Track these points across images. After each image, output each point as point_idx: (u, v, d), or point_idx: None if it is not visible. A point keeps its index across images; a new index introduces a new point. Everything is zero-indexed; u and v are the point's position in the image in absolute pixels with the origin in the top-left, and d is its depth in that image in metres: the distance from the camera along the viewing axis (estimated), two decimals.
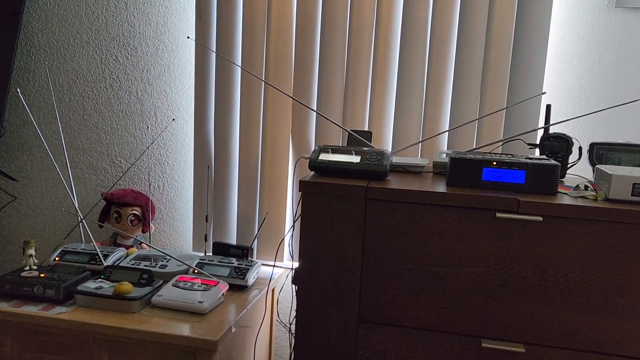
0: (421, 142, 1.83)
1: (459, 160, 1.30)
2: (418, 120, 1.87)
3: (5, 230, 2.25)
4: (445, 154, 1.58)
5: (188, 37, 2.02)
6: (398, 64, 1.86)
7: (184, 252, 2.05)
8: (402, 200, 1.23)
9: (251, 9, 1.93)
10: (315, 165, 1.36)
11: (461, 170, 1.30)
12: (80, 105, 2.14)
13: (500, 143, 1.75)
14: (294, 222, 1.92)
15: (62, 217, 2.20)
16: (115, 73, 2.10)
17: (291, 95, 1.88)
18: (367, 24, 1.86)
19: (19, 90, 2.04)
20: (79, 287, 1.56)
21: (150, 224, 2.04)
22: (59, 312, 1.49)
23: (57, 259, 1.79)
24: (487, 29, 1.79)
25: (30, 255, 1.63)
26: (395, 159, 1.56)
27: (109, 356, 1.48)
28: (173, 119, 2.07)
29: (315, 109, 1.91)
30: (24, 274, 1.60)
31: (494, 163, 1.28)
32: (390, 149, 1.90)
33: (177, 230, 2.16)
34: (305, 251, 1.28)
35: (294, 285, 1.34)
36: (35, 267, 1.64)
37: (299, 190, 1.27)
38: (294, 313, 2.03)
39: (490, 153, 1.45)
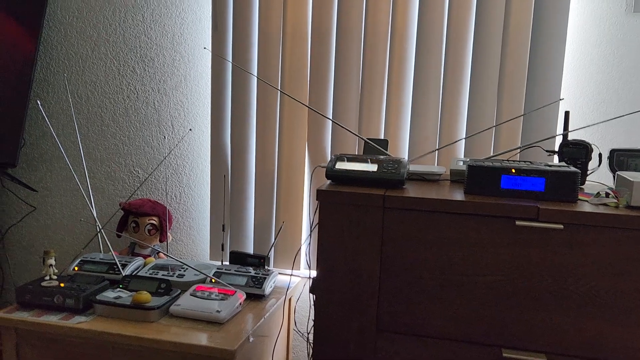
0: (438, 149, 1.82)
1: (477, 168, 1.29)
2: (434, 127, 1.86)
3: (25, 240, 2.28)
4: (462, 162, 1.57)
5: (205, 48, 2.04)
6: (414, 71, 1.86)
7: (201, 262, 2.06)
8: (419, 208, 1.23)
9: (266, 19, 1.94)
10: (332, 174, 1.36)
11: (479, 178, 1.29)
12: (98, 116, 2.17)
13: (518, 150, 1.74)
14: (311, 231, 1.92)
15: (80, 227, 2.22)
16: (132, 84, 2.13)
17: (307, 104, 1.88)
18: (382, 31, 1.86)
19: (39, 102, 2.07)
20: (98, 297, 1.57)
21: (168, 234, 2.06)
22: (79, 322, 1.50)
23: (76, 268, 1.81)
24: (503, 34, 1.78)
25: (50, 265, 1.65)
26: (412, 167, 1.55)
27: None
28: (190, 129, 2.08)
29: (331, 118, 1.91)
30: (44, 283, 1.62)
31: (513, 170, 1.27)
32: (406, 157, 1.90)
33: (194, 240, 2.17)
34: (322, 260, 1.28)
35: (311, 295, 1.33)
36: (55, 277, 1.66)
37: (316, 199, 1.27)
38: (311, 322, 2.02)
39: (508, 160, 1.43)
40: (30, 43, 2.06)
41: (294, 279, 1.96)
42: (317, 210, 1.29)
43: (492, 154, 1.77)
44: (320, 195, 1.26)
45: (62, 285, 1.61)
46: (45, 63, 2.16)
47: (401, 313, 1.27)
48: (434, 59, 1.83)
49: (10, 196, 2.23)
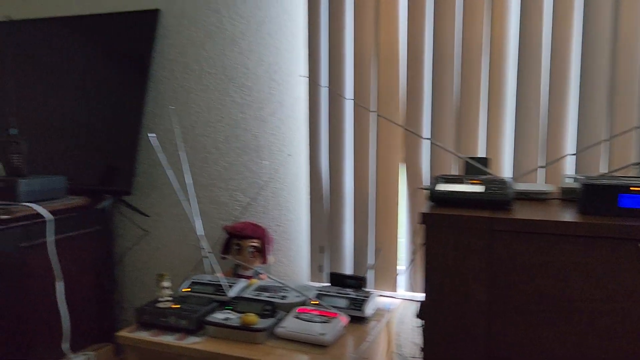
0: (546, 166, 1.74)
1: (594, 186, 1.22)
2: (537, 144, 1.78)
3: (139, 262, 2.44)
4: (572, 179, 1.49)
5: (301, 76, 2.10)
6: (516, 86, 1.80)
7: (301, 283, 2.10)
8: (530, 230, 1.18)
9: (360, 42, 1.97)
10: (436, 196, 1.34)
11: (595, 196, 1.21)
12: (201, 144, 2.29)
13: (638, 167, 1.62)
14: (414, 254, 1.90)
15: (188, 249, 2.35)
16: (232, 112, 2.24)
17: (403, 125, 1.88)
18: (478, 47, 1.82)
19: (153, 136, 2.23)
20: (209, 318, 1.65)
21: (270, 255, 2.12)
22: (193, 342, 1.58)
23: (186, 289, 1.91)
24: (612, 41, 1.68)
25: (165, 287, 1.75)
26: (517, 186, 1.50)
27: None
28: (289, 155, 2.15)
29: (429, 138, 1.89)
30: (159, 305, 1.72)
31: (633, 188, 1.19)
32: (509, 176, 1.83)
33: (293, 261, 2.22)
34: (430, 285, 1.26)
35: (418, 320, 1.31)
36: (170, 298, 1.76)
37: (421, 223, 1.25)
38: (412, 345, 1.99)
39: (624, 177, 1.34)
40: (141, 80, 2.23)
41: (393, 301, 1.95)
42: (422, 233, 1.27)
43: (607, 171, 1.66)
44: (426, 219, 1.25)
45: (176, 306, 1.70)
46: (153, 97, 2.33)
47: (513, 342, 1.22)
48: (536, 71, 1.76)
49: (125, 221, 2.41)
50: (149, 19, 2.25)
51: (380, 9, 1.94)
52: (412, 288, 1.94)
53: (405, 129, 1.76)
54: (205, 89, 2.27)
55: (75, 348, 2.09)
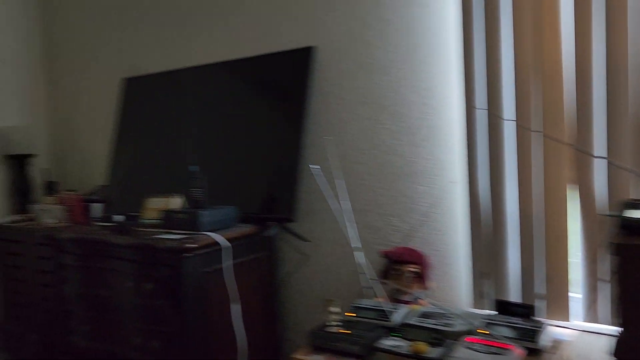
0: None
1: None
2: None
3: (300, 285, 2.56)
4: None
5: (475, 107, 2.08)
6: None
7: (463, 309, 2.06)
8: None
9: (520, 60, 1.91)
10: (627, 223, 1.24)
11: None
12: (355, 171, 2.36)
13: None
14: (593, 282, 1.77)
15: (346, 273, 2.42)
16: (385, 139, 2.28)
17: (573, 144, 1.77)
18: None
19: (315, 167, 2.34)
20: (379, 345, 1.68)
21: (429, 281, 2.11)
22: None
23: (350, 314, 1.97)
24: None
25: (333, 312, 1.82)
26: None
27: None
28: (451, 182, 2.13)
29: (603, 156, 1.76)
30: (329, 329, 1.80)
31: None
32: None
33: (451, 286, 2.18)
34: (629, 322, 1.17)
35: (613, 357, 1.22)
36: (338, 323, 1.83)
37: (614, 254, 1.17)
38: None
39: None
40: (298, 114, 2.37)
41: (568, 332, 1.82)
42: (609, 262, 1.18)
43: None
44: (620, 250, 1.16)
45: (345, 331, 1.76)
46: (310, 128, 2.45)
47: None
48: None
49: (287, 247, 2.56)
50: (305, 55, 2.39)
51: (541, 24, 1.86)
52: (591, 319, 1.80)
53: (577, 148, 1.65)
54: (358, 118, 2.35)
55: None
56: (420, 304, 2.08)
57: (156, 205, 2.41)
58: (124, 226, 2.35)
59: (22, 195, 3.38)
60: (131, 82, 3.07)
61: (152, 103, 2.95)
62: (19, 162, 3.36)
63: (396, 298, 2.14)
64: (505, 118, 1.95)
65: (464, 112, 2.05)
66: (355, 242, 2.10)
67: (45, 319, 2.76)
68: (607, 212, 1.34)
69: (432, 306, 2.01)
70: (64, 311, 2.50)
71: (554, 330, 1.83)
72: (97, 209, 2.88)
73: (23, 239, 3.08)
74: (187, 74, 2.80)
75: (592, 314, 1.80)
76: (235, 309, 2.17)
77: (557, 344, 1.73)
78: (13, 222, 3.23)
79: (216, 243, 2.13)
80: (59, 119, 3.61)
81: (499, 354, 1.56)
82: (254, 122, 2.51)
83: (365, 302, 2.01)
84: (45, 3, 3.57)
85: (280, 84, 2.46)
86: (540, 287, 1.93)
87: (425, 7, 2.15)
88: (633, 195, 1.72)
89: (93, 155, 3.40)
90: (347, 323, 1.85)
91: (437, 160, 2.17)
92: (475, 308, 2.09)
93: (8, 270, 3.23)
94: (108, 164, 3.09)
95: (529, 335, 1.68)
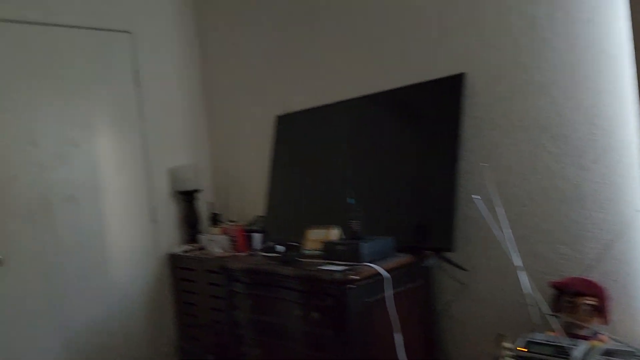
0: None
1: None
2: None
3: (460, 315, 2.51)
4: None
5: None
6: None
7: None
8: None
9: None
10: None
11: None
12: (515, 197, 2.28)
13: None
14: None
15: (508, 304, 2.32)
16: (547, 163, 2.17)
17: None
18: None
19: (476, 197, 2.30)
20: None
21: (611, 315, 1.95)
22: None
23: (521, 349, 1.89)
24: None
25: (506, 348, 1.76)
26: None
27: None
28: (637, 210, 1.97)
29: None
30: None
31: None
32: None
33: (634, 321, 1.99)
34: None
35: None
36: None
37: None
38: None
39: None
40: (452, 141, 2.35)
41: None
42: None
43: None
44: None
45: None
46: (465, 155, 2.42)
47: None
48: None
49: (444, 276, 2.53)
50: (456, 83, 2.38)
51: None
52: None
53: None
54: (515, 142, 2.27)
55: None
56: (601, 340, 1.93)
57: (316, 236, 2.53)
58: (287, 256, 2.51)
59: (191, 226, 3.76)
60: (284, 119, 3.29)
61: (305, 137, 3.12)
62: (188, 197, 3.75)
63: (572, 333, 2.01)
64: None
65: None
66: (522, 271, 2.02)
67: (219, 341, 3.02)
68: None
69: (615, 342, 1.86)
70: (235, 335, 2.71)
71: None
72: (257, 238, 3.10)
73: (195, 266, 3.42)
74: (338, 108, 2.93)
75: None
76: (399, 339, 2.19)
77: None
78: (185, 251, 3.60)
79: (377, 274, 2.17)
80: (220, 156, 3.97)
81: None
82: (408, 152, 2.54)
83: (539, 337, 1.91)
84: (201, 49, 3.97)
85: (432, 113, 2.47)
86: None
87: (588, 22, 2.04)
88: None
89: (251, 188, 3.67)
90: (521, 359, 1.78)
91: (609, 183, 2.02)
92: None
93: (183, 294, 3.60)
94: (265, 196, 3.32)
95: None
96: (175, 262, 3.64)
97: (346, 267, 2.20)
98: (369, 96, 2.76)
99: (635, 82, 1.91)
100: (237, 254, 3.20)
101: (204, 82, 4.00)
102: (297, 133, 3.18)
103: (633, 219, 1.97)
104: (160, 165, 3.71)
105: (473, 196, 2.30)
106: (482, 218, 2.34)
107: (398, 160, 2.57)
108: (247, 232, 3.24)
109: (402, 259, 2.33)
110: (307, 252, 2.55)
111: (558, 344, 1.82)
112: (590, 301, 1.95)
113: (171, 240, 3.73)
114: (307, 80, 3.21)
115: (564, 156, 2.13)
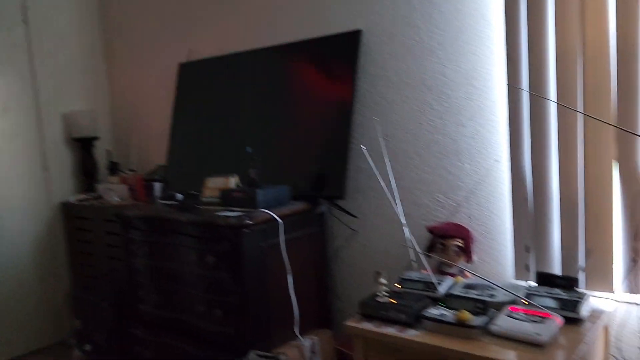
0: None
1: None
2: None
3: (349, 258, 2.71)
4: None
5: (510, 85, 2.14)
6: None
7: (506, 281, 2.15)
8: None
9: (563, 41, 1.95)
10: None
11: None
12: (402, 150, 2.46)
13: None
14: (635, 255, 1.84)
15: (393, 247, 2.54)
16: (431, 119, 2.37)
17: (615, 124, 1.82)
18: None
19: (363, 147, 2.45)
20: (426, 314, 1.81)
21: (474, 254, 2.21)
22: (413, 335, 1.76)
23: (398, 285, 2.10)
24: None
25: (382, 284, 1.96)
26: None
27: None
28: (496, 160, 2.20)
29: None
30: (378, 299, 1.93)
31: None
32: None
33: (495, 260, 2.27)
34: None
35: None
36: (387, 294, 1.96)
37: None
38: (635, 350, 1.92)
39: None
40: (347, 96, 2.48)
41: (609, 303, 1.90)
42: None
43: None
44: None
45: (393, 301, 1.90)
46: (358, 109, 2.56)
47: None
48: None
49: (336, 222, 2.70)
50: (352, 39, 2.48)
51: (585, 4, 1.89)
52: (632, 290, 1.87)
53: (620, 128, 1.71)
54: (405, 99, 2.44)
55: (301, 332, 2.42)
56: (466, 276, 2.19)
57: (215, 184, 2.58)
58: (186, 204, 2.55)
59: (87, 175, 3.65)
60: (187, 67, 3.24)
61: (208, 87, 3.11)
62: (84, 145, 3.62)
63: (442, 271, 2.26)
64: (551, 99, 2.01)
65: (507, 92, 2.11)
66: (404, 218, 2.22)
67: (116, 289, 3.02)
68: None
69: (476, 278, 2.12)
70: (133, 282, 2.73)
71: (595, 301, 1.91)
72: (157, 188, 3.09)
73: (91, 215, 3.35)
74: (241, 58, 2.95)
75: (633, 285, 1.87)
76: (290, 280, 2.34)
77: (597, 314, 1.82)
78: (80, 200, 3.50)
79: (272, 219, 2.29)
80: (120, 103, 3.84)
81: (538, 322, 1.66)
82: (305, 104, 2.64)
83: (413, 275, 2.13)
84: None
85: (329, 67, 2.56)
86: (582, 260, 2.01)
87: None
88: None
89: (152, 137, 3.61)
90: (395, 294, 1.98)
91: (481, 139, 2.24)
92: (517, 280, 2.18)
93: (78, 244, 3.52)
94: (167, 146, 3.30)
95: (570, 306, 1.77)
96: (70, 211, 3.54)
97: (242, 213, 2.29)
98: (272, 47, 2.81)
99: (504, 47, 2.11)
100: (136, 203, 3.18)
101: (105, 23, 3.81)
102: (200, 81, 3.16)
103: (492, 168, 2.22)
104: (52, 110, 3.53)
105: (361, 146, 2.46)
106: (374, 169, 2.52)
107: (297, 112, 2.66)
108: (147, 182, 3.21)
109: (297, 206, 2.46)
110: (205, 199, 2.60)
111: (427, 280, 2.04)
112: (458, 243, 2.20)
113: (65, 189, 3.60)
114: (213, 28, 3.18)
115: (445, 113, 2.33)
